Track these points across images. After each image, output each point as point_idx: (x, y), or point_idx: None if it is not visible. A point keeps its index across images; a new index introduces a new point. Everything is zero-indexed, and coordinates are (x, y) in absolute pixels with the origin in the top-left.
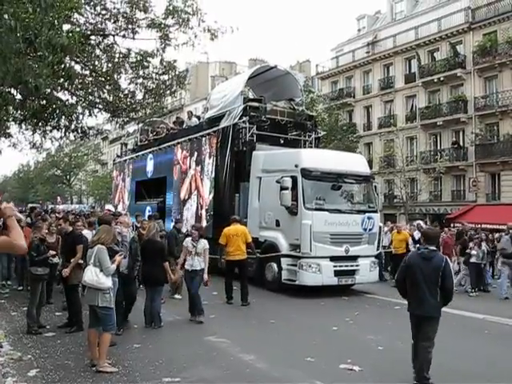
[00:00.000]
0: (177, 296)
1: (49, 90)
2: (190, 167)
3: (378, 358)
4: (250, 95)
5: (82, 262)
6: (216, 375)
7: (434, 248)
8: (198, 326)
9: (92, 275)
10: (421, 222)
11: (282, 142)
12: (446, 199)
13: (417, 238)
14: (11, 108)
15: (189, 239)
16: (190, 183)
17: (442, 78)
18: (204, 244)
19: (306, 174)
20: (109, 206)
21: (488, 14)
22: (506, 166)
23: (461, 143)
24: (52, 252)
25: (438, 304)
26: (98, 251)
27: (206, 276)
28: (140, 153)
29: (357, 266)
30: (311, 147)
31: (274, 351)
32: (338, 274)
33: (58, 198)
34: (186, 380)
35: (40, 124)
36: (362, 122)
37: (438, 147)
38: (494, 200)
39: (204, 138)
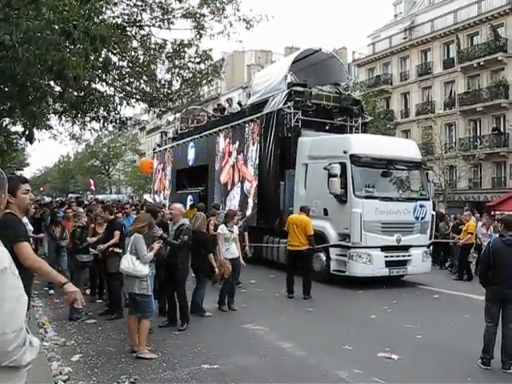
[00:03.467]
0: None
1: (86, 82)
2: (232, 155)
3: (417, 347)
4: (294, 80)
5: (121, 251)
6: (254, 363)
7: None
8: (236, 313)
9: (128, 263)
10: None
11: (327, 127)
12: (486, 186)
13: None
14: (50, 100)
15: (223, 226)
16: (233, 171)
17: (481, 63)
18: (237, 229)
19: (356, 160)
20: (146, 196)
21: None
22: None
23: (502, 129)
24: (93, 238)
25: None
26: (134, 240)
27: (242, 261)
28: (181, 141)
29: (409, 256)
30: (358, 133)
31: (312, 339)
32: (389, 264)
33: (91, 180)
34: (224, 367)
35: (79, 115)
36: (399, 108)
37: (478, 133)
38: None
39: (247, 125)
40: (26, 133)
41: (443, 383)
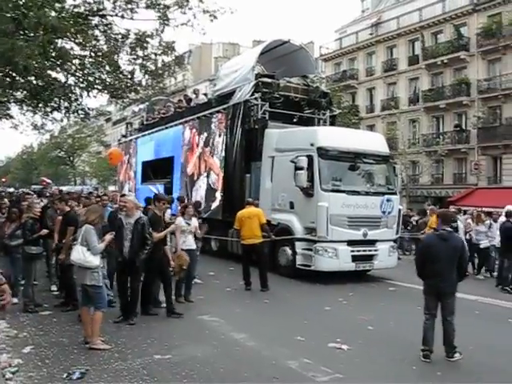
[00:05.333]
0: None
1: (39, 71)
2: (198, 146)
3: (368, 338)
4: (262, 71)
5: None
6: (206, 353)
7: (451, 229)
8: (193, 305)
9: (79, 254)
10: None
11: (295, 120)
12: (447, 182)
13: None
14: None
15: (181, 218)
16: (199, 163)
17: (445, 61)
18: (195, 222)
19: (323, 153)
20: (111, 188)
21: None
22: (507, 149)
23: (463, 126)
24: (45, 231)
25: (455, 280)
26: (85, 231)
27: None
28: (146, 132)
29: (375, 250)
30: (325, 125)
31: (265, 330)
32: (355, 259)
33: (44, 178)
34: (176, 357)
35: (40, 105)
36: (364, 104)
37: (441, 130)
38: (495, 183)
39: (213, 116)
40: None
41: (388, 372)
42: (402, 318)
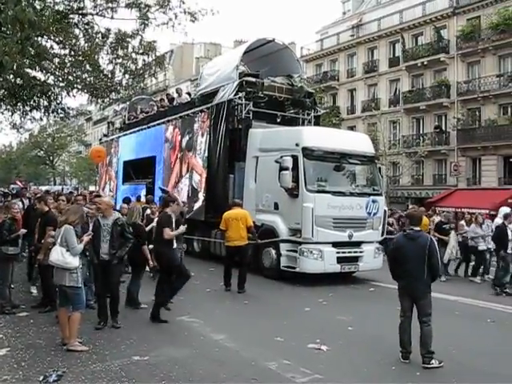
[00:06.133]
0: None
1: (16, 68)
2: (181, 146)
3: (347, 339)
4: (246, 70)
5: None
6: (185, 354)
7: (419, 228)
8: (172, 306)
9: (58, 255)
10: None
11: (279, 120)
12: (427, 183)
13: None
14: None
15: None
16: (181, 163)
17: (425, 63)
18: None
19: (308, 153)
20: (92, 188)
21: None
22: (486, 150)
23: (443, 128)
24: (23, 230)
25: (427, 280)
26: (64, 231)
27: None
28: (128, 131)
29: (361, 252)
30: (310, 125)
31: (245, 331)
32: (340, 260)
33: (17, 181)
34: (154, 359)
35: (19, 104)
36: (345, 105)
37: (421, 131)
38: (474, 184)
39: (196, 116)
40: None
41: (368, 372)
42: (381, 318)
